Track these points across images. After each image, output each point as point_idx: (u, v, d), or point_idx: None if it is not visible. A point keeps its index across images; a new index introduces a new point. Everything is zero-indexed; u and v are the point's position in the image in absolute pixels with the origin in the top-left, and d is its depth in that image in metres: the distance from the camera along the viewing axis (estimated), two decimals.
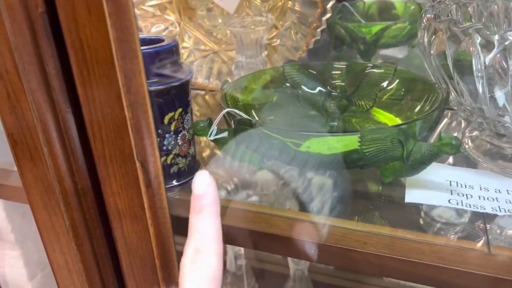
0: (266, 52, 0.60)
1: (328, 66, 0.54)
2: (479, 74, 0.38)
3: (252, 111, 0.49)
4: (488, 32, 0.35)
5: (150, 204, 0.28)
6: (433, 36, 0.40)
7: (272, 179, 0.45)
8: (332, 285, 0.78)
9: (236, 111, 0.40)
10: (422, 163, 0.37)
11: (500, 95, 0.38)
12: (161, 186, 0.28)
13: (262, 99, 0.51)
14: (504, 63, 0.37)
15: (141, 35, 0.43)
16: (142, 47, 0.38)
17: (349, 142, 0.36)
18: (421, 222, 0.37)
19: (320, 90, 0.52)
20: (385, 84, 0.49)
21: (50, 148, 0.29)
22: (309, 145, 0.38)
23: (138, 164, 0.27)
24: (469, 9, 0.50)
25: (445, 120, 0.54)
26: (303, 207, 0.41)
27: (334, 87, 0.52)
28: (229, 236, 0.35)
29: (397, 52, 0.83)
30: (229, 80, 0.49)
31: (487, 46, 0.36)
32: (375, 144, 0.35)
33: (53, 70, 0.27)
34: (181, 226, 0.29)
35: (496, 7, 0.51)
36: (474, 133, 0.47)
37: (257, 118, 0.49)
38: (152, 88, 0.38)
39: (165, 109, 0.39)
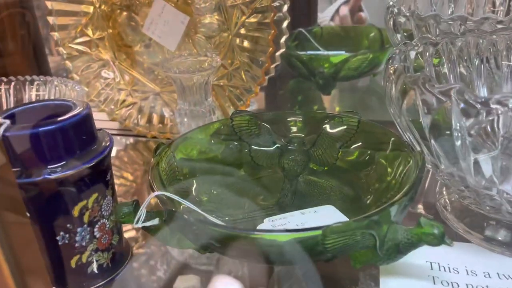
0: (210, 99, 0.52)
1: (282, 116, 0.47)
2: (459, 137, 0.31)
3: (194, 181, 0.40)
4: (469, 97, 0.28)
5: None
6: (404, 93, 0.34)
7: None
8: None
9: (168, 194, 0.32)
10: (398, 252, 0.30)
11: (484, 161, 0.32)
12: None
13: (207, 162, 0.43)
14: (488, 127, 0.30)
15: (45, 101, 0.34)
16: (44, 123, 0.29)
17: (310, 236, 0.28)
18: None
19: (275, 144, 0.45)
20: (347, 139, 0.42)
21: None
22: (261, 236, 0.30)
23: None
24: (438, 47, 0.44)
25: None
26: None
27: (290, 140, 0.45)
28: None
29: (357, 81, 0.77)
30: (164, 143, 0.40)
31: (468, 110, 0.29)
32: (341, 239, 0.28)
33: None
34: None
35: (465, 42, 0.45)
36: (453, 197, 0.41)
37: (196, 193, 0.40)
38: (54, 176, 0.29)
39: (75, 199, 0.30)
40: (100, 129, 0.34)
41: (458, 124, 0.30)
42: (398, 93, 0.34)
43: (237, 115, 0.45)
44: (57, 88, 0.52)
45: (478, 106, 0.28)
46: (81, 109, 0.31)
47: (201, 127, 0.45)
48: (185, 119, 0.52)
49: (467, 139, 0.30)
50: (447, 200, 0.41)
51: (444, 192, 0.42)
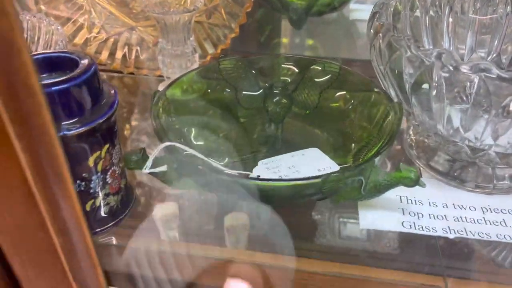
0: (192, 37, 0.52)
1: (267, 60, 0.49)
2: (436, 93, 0.36)
3: (192, 128, 0.43)
4: (448, 59, 0.32)
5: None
6: (390, 50, 0.37)
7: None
8: None
9: (177, 144, 0.35)
10: (377, 191, 0.36)
11: (455, 113, 0.37)
12: None
13: (202, 107, 0.45)
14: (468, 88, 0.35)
15: (47, 54, 0.34)
16: (55, 82, 0.30)
17: (311, 183, 0.33)
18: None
19: (260, 88, 0.48)
20: (328, 84, 0.46)
21: None
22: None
23: (74, 285, 0.21)
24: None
25: None
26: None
27: (274, 84, 0.48)
28: None
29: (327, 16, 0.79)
30: (159, 90, 0.42)
31: (446, 70, 0.33)
32: (336, 185, 0.33)
33: None
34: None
35: None
36: (419, 137, 0.46)
37: (198, 132, 0.43)
38: (71, 133, 0.30)
39: (89, 151, 0.32)
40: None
41: (436, 83, 0.35)
42: (384, 49, 0.37)
43: (224, 59, 0.47)
44: (29, 24, 0.50)
45: (454, 68, 0.32)
46: (89, 62, 0.32)
47: (191, 72, 0.46)
48: (168, 59, 0.52)
49: (444, 95, 0.35)
50: (413, 140, 0.46)
51: (411, 133, 0.47)
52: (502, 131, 0.34)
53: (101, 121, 0.32)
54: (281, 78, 0.48)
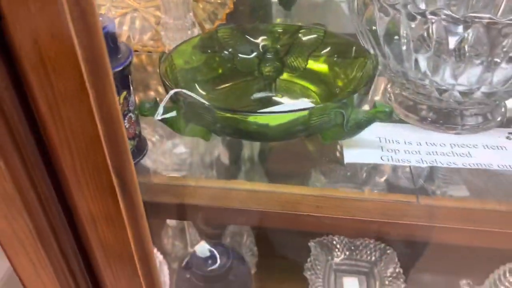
0: (191, 13, 0.58)
1: (260, 28, 0.55)
2: (405, 42, 0.42)
3: (196, 84, 0.49)
4: (412, 8, 0.38)
5: (126, 208, 0.28)
6: (364, 6, 0.43)
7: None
8: None
9: (184, 91, 0.40)
10: (358, 128, 0.41)
11: (421, 59, 0.42)
12: (136, 190, 0.28)
13: (203, 69, 0.51)
14: (426, 34, 0.41)
15: None
16: None
17: (295, 116, 0.38)
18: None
19: (255, 53, 0.53)
20: (315, 47, 0.52)
21: (6, 162, 0.27)
22: (256, 117, 0.40)
23: (113, 174, 0.27)
24: None
25: None
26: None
27: (267, 50, 0.53)
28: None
29: None
30: (166, 52, 0.47)
31: (411, 19, 0.39)
32: (321, 117, 0.38)
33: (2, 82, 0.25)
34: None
35: None
36: (396, 91, 0.52)
37: (201, 90, 0.49)
38: None
39: None
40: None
41: (404, 31, 0.41)
42: (361, 5, 0.43)
43: (221, 28, 0.53)
44: None
45: (418, 16, 0.38)
46: (108, 22, 0.38)
47: (193, 38, 0.52)
48: (170, 33, 0.58)
49: (410, 42, 0.41)
50: (391, 93, 0.52)
51: (389, 88, 0.53)
52: (460, 72, 0.40)
53: (119, 69, 0.37)
54: (273, 43, 0.54)
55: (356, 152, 0.44)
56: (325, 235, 0.84)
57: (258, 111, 0.39)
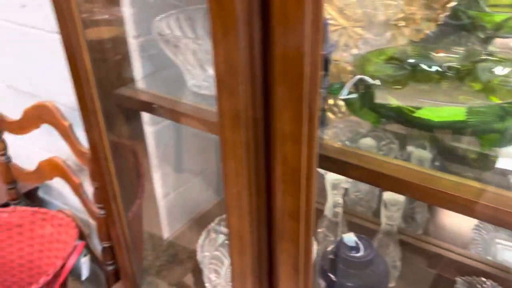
0: (389, 33, 0.69)
1: (446, 49, 0.62)
2: None
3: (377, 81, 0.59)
4: None
5: (309, 132, 0.41)
6: None
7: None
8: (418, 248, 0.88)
9: (366, 77, 0.52)
10: None
11: None
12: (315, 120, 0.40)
13: (386, 70, 0.61)
14: None
15: None
16: None
17: (456, 112, 0.45)
18: None
19: (436, 70, 0.61)
20: (498, 71, 0.56)
21: (243, 86, 0.42)
22: (422, 112, 0.48)
23: (304, 103, 0.40)
24: None
25: None
26: None
27: (449, 68, 0.60)
28: None
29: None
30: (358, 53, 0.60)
31: None
32: (479, 116, 0.45)
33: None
34: None
35: None
36: None
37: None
38: None
39: None
40: None
41: None
42: None
43: (412, 44, 0.62)
44: None
45: None
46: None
47: (382, 49, 0.63)
48: (368, 47, 0.70)
49: None
50: None
51: None
52: None
53: (326, 54, 0.51)
54: (454, 65, 0.61)
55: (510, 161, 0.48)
56: (475, 275, 0.83)
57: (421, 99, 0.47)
